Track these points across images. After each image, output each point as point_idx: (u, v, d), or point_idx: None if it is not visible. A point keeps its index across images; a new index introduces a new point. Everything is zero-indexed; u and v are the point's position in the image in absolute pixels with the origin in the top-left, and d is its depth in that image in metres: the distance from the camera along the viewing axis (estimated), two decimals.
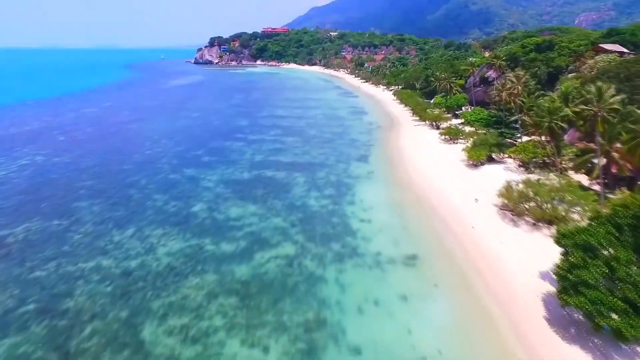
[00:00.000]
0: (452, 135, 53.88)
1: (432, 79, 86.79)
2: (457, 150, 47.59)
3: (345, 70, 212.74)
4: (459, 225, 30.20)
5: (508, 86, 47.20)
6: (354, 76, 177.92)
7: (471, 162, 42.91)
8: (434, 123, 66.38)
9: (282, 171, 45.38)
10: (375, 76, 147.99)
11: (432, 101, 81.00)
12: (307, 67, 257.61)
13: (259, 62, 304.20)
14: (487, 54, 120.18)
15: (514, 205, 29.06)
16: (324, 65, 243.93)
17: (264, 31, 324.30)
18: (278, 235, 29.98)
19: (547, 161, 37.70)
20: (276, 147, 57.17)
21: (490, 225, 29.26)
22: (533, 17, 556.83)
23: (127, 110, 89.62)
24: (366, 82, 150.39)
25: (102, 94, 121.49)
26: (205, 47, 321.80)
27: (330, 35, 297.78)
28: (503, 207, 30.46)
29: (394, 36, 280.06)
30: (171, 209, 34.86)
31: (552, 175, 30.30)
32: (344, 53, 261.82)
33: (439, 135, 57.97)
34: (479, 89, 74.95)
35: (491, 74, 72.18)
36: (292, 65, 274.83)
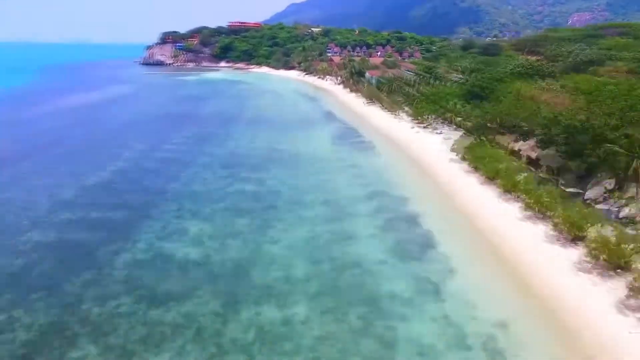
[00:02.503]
0: None
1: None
2: None
3: (334, 78, 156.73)
4: None
5: None
6: (348, 90, 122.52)
7: None
8: None
9: None
10: (388, 95, 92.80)
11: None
12: (282, 73, 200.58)
13: (222, 63, 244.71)
14: (530, 58, 78.99)
15: None
16: (305, 70, 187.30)
17: (230, 26, 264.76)
18: None
19: None
20: None
21: None
22: (524, 16, 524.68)
23: None
24: (371, 103, 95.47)
25: None
26: (157, 44, 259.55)
27: (312, 31, 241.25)
28: None
29: (391, 34, 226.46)
30: None
31: None
32: (329, 54, 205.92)
33: None
34: None
35: None
36: (264, 69, 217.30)
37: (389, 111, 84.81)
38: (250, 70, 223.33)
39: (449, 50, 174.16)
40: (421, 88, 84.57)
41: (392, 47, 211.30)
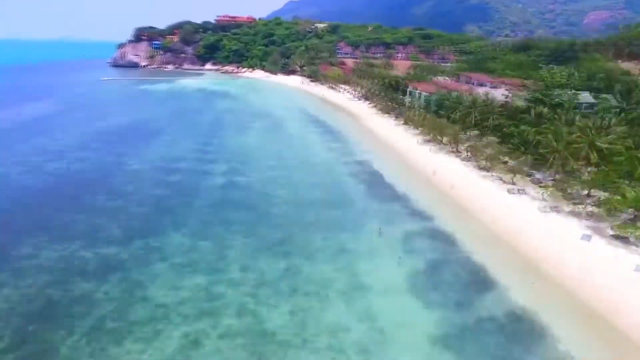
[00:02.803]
0: None
1: None
2: None
3: (351, 88, 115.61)
4: None
5: None
6: (378, 110, 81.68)
7: None
8: None
9: None
10: (463, 129, 51.96)
11: None
12: (281, 79, 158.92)
13: (208, 65, 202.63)
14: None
15: None
16: (310, 77, 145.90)
17: (218, 21, 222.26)
18: None
19: None
20: None
21: None
22: (535, 15, 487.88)
23: None
24: (431, 141, 54.93)
25: None
26: (129, 42, 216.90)
27: (316, 27, 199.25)
28: None
29: (413, 31, 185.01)
30: None
31: None
32: (340, 55, 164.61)
33: None
34: None
35: None
36: (258, 74, 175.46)
37: (480, 167, 43.79)
38: (240, 74, 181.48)
39: (496, 52, 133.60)
40: (552, 127, 42.86)
41: (416, 47, 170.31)
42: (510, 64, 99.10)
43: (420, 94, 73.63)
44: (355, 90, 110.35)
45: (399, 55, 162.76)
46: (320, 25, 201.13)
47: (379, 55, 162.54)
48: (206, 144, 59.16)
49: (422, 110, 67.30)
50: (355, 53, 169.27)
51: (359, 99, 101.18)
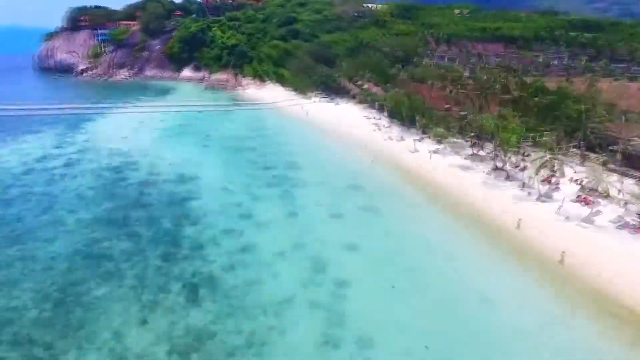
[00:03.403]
0: None
1: None
2: None
3: (516, 158, 33.93)
4: None
5: None
6: None
7: None
8: None
9: None
10: None
11: None
12: (322, 110, 77.27)
13: (186, 71, 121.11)
14: None
15: None
16: (386, 111, 64.42)
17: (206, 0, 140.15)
18: None
19: None
20: None
21: None
22: (584, 3, 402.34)
23: None
24: None
25: None
26: (62, 30, 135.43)
27: (370, 9, 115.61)
28: None
29: (559, 18, 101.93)
30: None
31: None
32: (439, 60, 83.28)
33: None
34: None
35: None
36: (273, 92, 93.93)
37: None
38: (240, 91, 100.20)
39: None
40: None
41: (573, 46, 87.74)
42: None
43: None
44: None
45: (555, 62, 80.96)
46: (378, 7, 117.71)
47: (496, 59, 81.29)
48: None
49: None
50: (459, 56, 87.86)
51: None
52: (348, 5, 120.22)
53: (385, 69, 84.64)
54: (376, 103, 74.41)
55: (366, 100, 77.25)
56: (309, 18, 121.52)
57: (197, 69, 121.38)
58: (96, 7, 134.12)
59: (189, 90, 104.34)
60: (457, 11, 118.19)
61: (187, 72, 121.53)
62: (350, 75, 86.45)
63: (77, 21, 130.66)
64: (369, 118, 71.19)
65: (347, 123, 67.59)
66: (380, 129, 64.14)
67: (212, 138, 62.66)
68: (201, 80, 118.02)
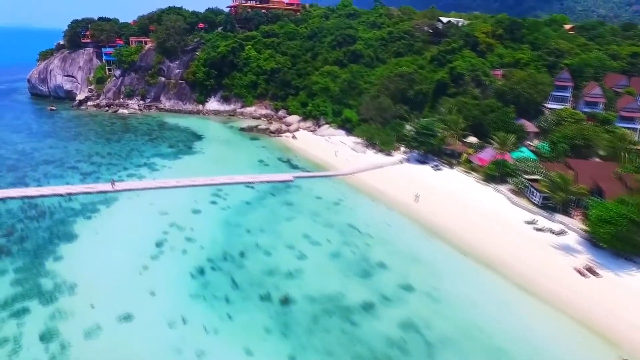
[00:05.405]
0: None
1: None
2: None
3: None
4: None
5: None
6: None
7: None
8: None
9: None
10: None
11: None
12: (438, 207, 50.06)
13: (212, 102, 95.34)
14: None
15: None
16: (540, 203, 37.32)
17: (234, 9, 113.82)
18: None
19: None
20: None
21: None
22: (621, 6, 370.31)
23: None
24: None
25: None
26: (61, 47, 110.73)
27: (451, 24, 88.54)
28: None
29: None
30: None
31: None
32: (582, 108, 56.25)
33: None
34: None
35: None
36: (336, 145, 68.13)
37: None
38: (293, 153, 73.47)
39: None
40: None
41: None
42: None
43: None
44: None
45: None
46: (459, 20, 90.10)
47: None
48: None
49: None
50: (596, 100, 60.95)
51: None
52: (420, 20, 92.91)
53: (514, 122, 57.73)
54: (534, 190, 46.77)
55: (522, 190, 48.70)
56: (368, 35, 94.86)
57: (225, 100, 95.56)
58: (101, 19, 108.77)
59: (220, 135, 78.24)
60: (567, 26, 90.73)
61: (213, 104, 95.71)
62: (459, 128, 59.41)
63: (77, 37, 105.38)
64: (533, 222, 42.86)
65: (510, 242, 39.28)
66: (588, 271, 35.10)
67: (295, 303, 29.90)
68: (232, 113, 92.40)
